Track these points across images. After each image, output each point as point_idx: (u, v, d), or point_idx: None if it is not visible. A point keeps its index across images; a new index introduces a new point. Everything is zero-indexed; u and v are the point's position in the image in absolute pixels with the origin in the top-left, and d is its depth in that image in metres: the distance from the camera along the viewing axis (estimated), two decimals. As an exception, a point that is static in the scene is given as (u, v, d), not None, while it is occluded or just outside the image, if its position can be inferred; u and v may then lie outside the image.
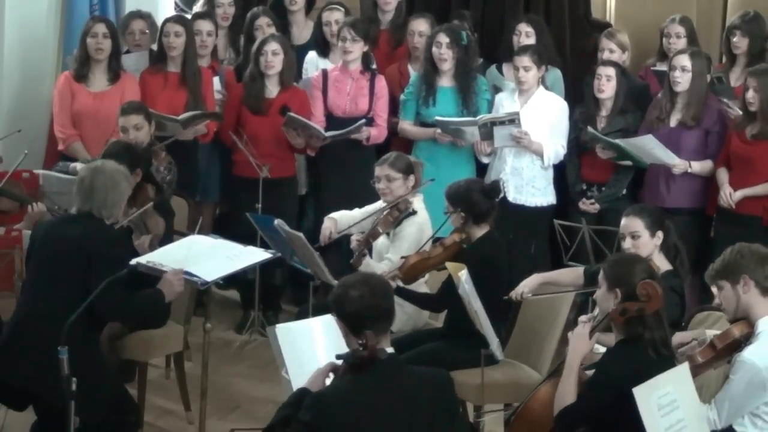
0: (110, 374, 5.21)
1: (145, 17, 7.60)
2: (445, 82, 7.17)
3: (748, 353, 4.44)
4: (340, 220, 6.17)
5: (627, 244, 5.22)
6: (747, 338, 4.52)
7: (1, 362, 4.94)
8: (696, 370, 4.42)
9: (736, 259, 4.58)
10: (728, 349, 4.53)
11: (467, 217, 5.52)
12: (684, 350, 4.54)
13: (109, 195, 4.98)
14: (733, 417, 4.47)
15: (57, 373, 4.11)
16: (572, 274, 5.42)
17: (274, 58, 7.10)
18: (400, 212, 5.91)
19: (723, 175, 6.68)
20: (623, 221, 5.27)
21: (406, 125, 7.29)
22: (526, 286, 5.34)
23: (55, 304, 4.83)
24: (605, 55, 7.25)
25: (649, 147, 6.71)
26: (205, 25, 7.39)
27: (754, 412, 4.50)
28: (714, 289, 4.69)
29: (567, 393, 4.22)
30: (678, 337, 4.73)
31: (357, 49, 7.20)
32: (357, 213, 6.20)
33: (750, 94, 6.51)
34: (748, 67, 6.88)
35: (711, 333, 4.71)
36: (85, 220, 4.98)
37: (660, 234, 5.22)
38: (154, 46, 7.64)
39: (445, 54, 7.08)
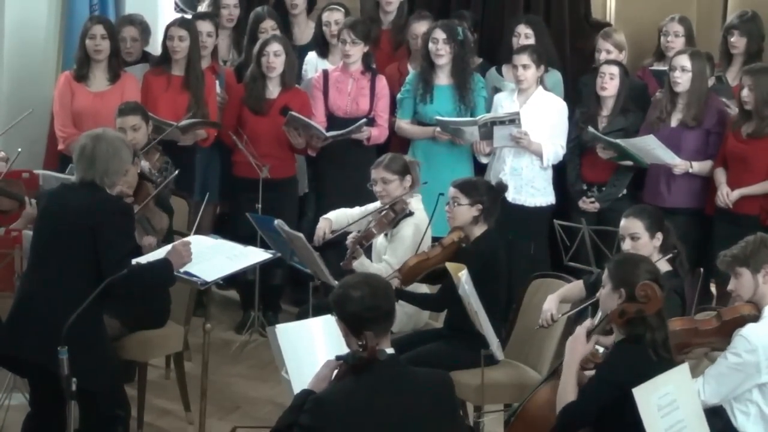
0: (111, 344, 5.16)
1: (137, 23, 7.57)
2: (442, 80, 7.17)
3: (748, 329, 4.49)
4: (336, 219, 6.17)
5: (627, 245, 5.21)
6: (754, 319, 4.55)
7: (9, 336, 4.92)
8: (695, 337, 4.43)
9: (759, 248, 4.62)
10: (733, 325, 4.55)
11: (483, 210, 5.52)
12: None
13: (111, 163, 4.89)
14: (724, 394, 4.47)
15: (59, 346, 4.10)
16: (575, 288, 5.39)
17: (275, 59, 7.10)
18: (396, 213, 5.90)
19: (720, 175, 6.68)
20: (623, 222, 5.27)
21: (403, 123, 7.29)
22: (552, 308, 5.27)
23: (59, 275, 4.80)
24: (602, 56, 7.24)
25: (650, 147, 6.71)
26: (205, 26, 7.38)
27: (746, 398, 4.51)
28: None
29: (568, 392, 4.21)
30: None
31: (357, 51, 7.20)
32: (356, 211, 6.20)
33: (745, 93, 6.51)
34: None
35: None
36: (89, 190, 4.88)
37: (659, 235, 5.23)
38: (147, 49, 7.64)
39: (441, 50, 7.08)
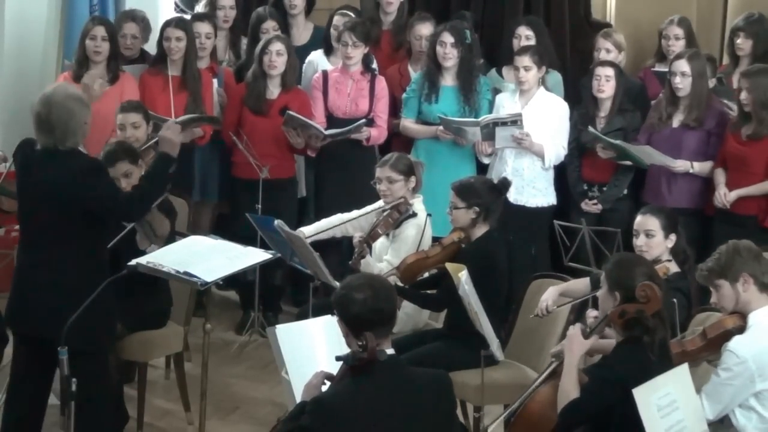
0: (113, 307, 5.08)
1: (138, 20, 7.57)
2: (448, 80, 7.18)
3: (735, 343, 4.47)
4: (312, 231, 6.17)
5: (640, 241, 5.24)
6: (740, 331, 4.53)
7: (13, 312, 4.97)
8: (683, 358, 4.42)
9: (733, 257, 4.59)
10: (719, 340, 4.54)
11: (480, 212, 5.52)
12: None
13: (68, 125, 4.87)
14: (724, 409, 4.47)
15: (68, 315, 4.23)
16: (580, 284, 5.39)
17: (277, 59, 7.11)
18: (400, 213, 5.92)
19: (720, 176, 6.69)
20: (639, 218, 5.29)
21: (408, 123, 7.29)
22: (549, 299, 5.30)
23: (54, 247, 4.83)
24: (602, 55, 7.24)
25: (649, 153, 6.72)
26: (203, 27, 7.39)
27: (746, 405, 4.51)
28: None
29: (570, 391, 4.22)
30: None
31: (358, 53, 7.21)
32: (354, 215, 6.20)
33: (743, 95, 6.52)
34: (749, 69, 6.89)
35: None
36: (57, 159, 4.86)
37: (673, 237, 5.25)
38: (146, 47, 7.64)
39: (449, 53, 7.09)
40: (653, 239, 5.23)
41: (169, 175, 5.17)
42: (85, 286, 4.55)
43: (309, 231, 6.18)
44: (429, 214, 5.90)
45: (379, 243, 6.03)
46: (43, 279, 4.85)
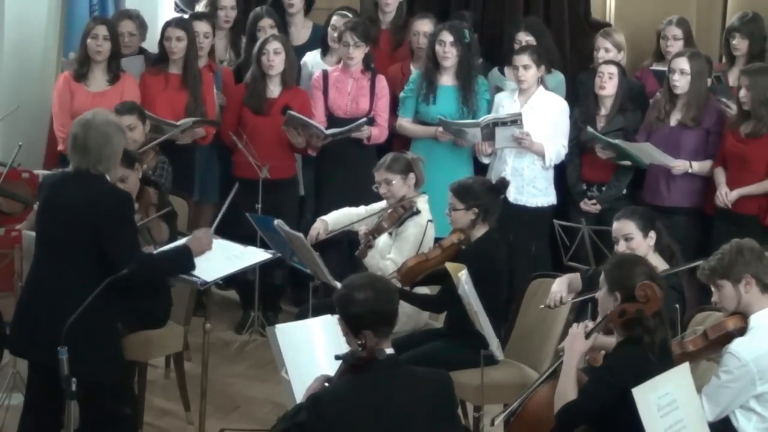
0: (120, 340, 5.13)
1: (134, 18, 7.59)
2: (446, 80, 7.18)
3: (736, 345, 4.47)
4: (333, 221, 6.18)
5: (621, 247, 5.24)
6: (741, 332, 4.53)
7: (18, 335, 4.94)
8: (684, 358, 4.43)
9: (736, 258, 4.58)
10: (720, 341, 4.54)
11: (479, 213, 5.52)
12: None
13: (103, 150, 4.84)
14: (723, 410, 4.48)
15: (70, 343, 4.12)
16: (575, 279, 5.41)
17: (275, 57, 7.11)
18: (405, 209, 5.92)
19: (720, 175, 6.69)
20: (615, 225, 5.30)
21: (405, 122, 7.30)
22: (562, 290, 5.29)
23: (64, 272, 4.79)
24: (601, 54, 7.25)
25: (649, 151, 6.73)
26: (202, 27, 7.40)
27: (746, 406, 4.51)
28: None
29: (567, 391, 4.22)
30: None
31: (359, 53, 7.21)
32: (362, 210, 6.21)
33: (743, 93, 6.53)
34: (747, 67, 6.89)
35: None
36: (86, 181, 4.84)
37: (653, 234, 5.26)
38: (143, 45, 7.65)
39: (448, 52, 7.09)
40: (633, 242, 5.23)
41: (179, 270, 5.11)
42: (90, 315, 4.42)
43: (330, 219, 6.19)
44: (430, 220, 5.89)
45: (382, 242, 6.03)
46: (47, 304, 4.78)
